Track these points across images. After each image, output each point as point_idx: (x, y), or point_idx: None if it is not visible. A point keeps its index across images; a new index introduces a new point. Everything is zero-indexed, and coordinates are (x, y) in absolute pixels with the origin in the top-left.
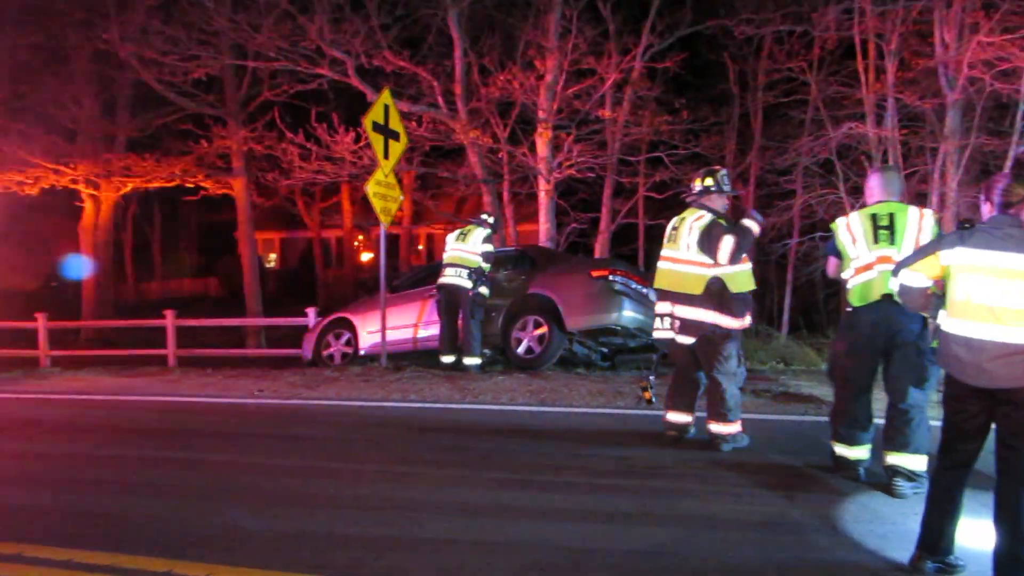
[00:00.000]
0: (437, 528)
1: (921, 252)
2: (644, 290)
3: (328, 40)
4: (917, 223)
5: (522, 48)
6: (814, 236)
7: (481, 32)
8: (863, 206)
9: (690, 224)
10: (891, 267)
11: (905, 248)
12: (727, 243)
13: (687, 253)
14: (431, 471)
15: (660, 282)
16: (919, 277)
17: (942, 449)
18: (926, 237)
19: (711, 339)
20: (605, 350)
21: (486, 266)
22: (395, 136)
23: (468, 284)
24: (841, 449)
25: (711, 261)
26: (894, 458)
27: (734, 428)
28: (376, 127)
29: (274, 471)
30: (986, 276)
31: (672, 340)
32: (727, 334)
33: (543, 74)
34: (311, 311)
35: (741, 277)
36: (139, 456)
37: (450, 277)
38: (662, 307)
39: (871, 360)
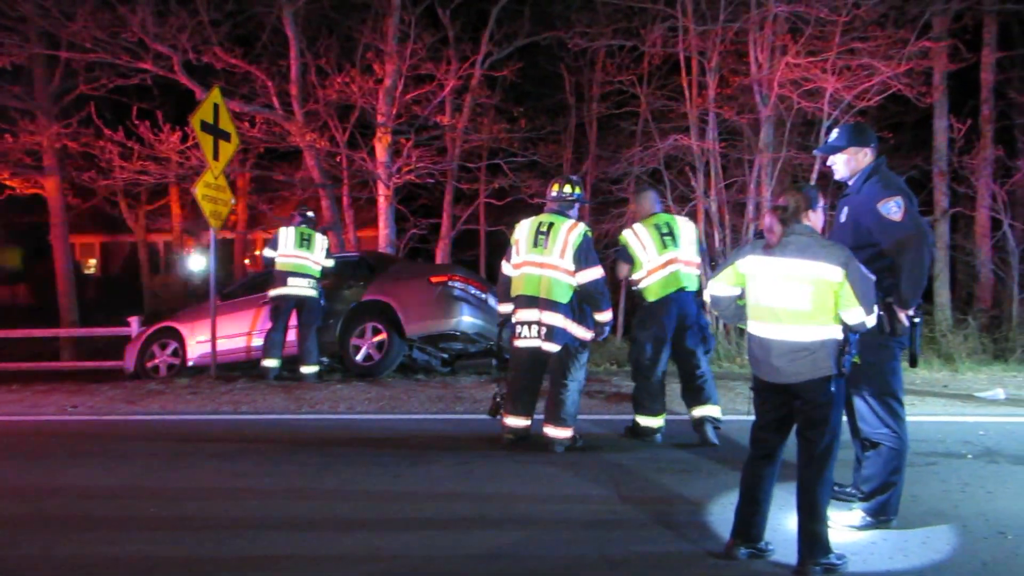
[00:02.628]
0: (269, 544)
1: (724, 264)
2: (483, 296)
3: (152, 34)
4: (689, 229)
5: (361, 51)
6: None
7: (319, 33)
8: (645, 218)
9: (565, 232)
10: (678, 266)
11: (683, 249)
12: (598, 272)
13: (561, 261)
14: (264, 485)
15: (527, 288)
16: (723, 287)
17: (751, 441)
18: (693, 239)
19: (570, 348)
20: (445, 356)
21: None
22: (226, 136)
23: (316, 294)
24: (647, 420)
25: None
26: (701, 411)
27: (570, 432)
28: (205, 127)
29: (89, 493)
30: (769, 281)
31: (537, 348)
32: (584, 344)
33: (382, 78)
34: (134, 320)
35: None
36: None
37: (300, 288)
38: (528, 314)
39: (668, 342)
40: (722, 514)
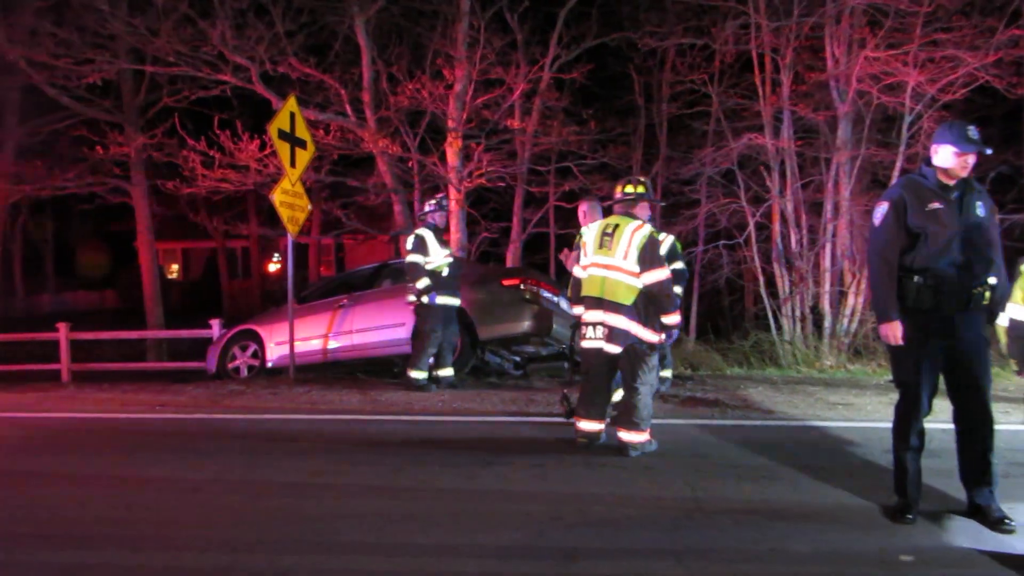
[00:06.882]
0: (346, 537)
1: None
2: (555, 299)
3: (231, 46)
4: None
5: (431, 57)
6: (718, 244)
7: (389, 40)
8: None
9: (630, 233)
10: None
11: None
12: (663, 273)
13: (624, 262)
14: (340, 482)
15: (592, 289)
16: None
17: None
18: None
19: (637, 350)
20: (517, 359)
21: (442, 264)
22: (302, 144)
23: (410, 297)
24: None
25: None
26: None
27: (644, 436)
28: (282, 135)
29: (176, 487)
30: None
31: (599, 350)
32: (652, 346)
33: (452, 83)
34: (215, 323)
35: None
36: (27, 471)
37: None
38: (593, 315)
39: None
40: (801, 522)
